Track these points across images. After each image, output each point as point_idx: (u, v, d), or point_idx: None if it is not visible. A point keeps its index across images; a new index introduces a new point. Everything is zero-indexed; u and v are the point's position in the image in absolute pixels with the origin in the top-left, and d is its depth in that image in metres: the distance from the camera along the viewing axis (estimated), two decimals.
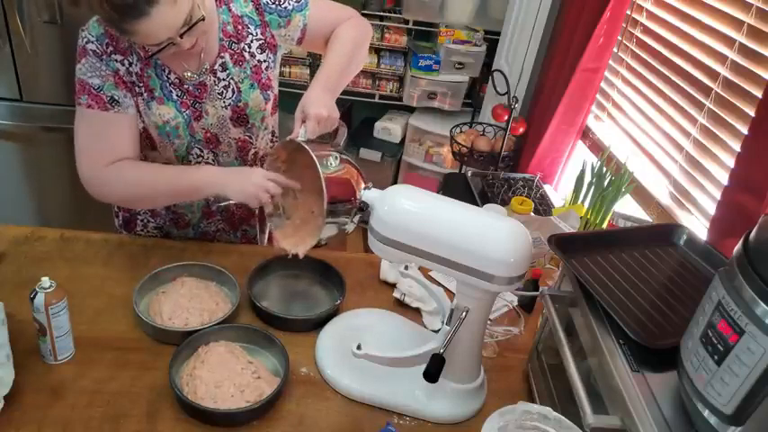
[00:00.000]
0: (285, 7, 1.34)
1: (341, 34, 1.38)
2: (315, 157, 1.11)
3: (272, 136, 1.53)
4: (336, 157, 1.16)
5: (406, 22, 2.85)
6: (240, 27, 1.32)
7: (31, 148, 2.60)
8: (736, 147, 1.46)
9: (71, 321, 1.15)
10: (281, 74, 2.88)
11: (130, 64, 1.26)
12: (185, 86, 1.31)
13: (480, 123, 2.74)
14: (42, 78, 2.45)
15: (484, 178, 2.33)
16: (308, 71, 2.90)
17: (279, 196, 1.23)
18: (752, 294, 0.70)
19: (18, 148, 2.60)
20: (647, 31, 1.96)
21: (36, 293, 1.09)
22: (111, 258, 1.46)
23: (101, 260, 1.45)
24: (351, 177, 1.16)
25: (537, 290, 1.38)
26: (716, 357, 0.75)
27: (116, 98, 1.25)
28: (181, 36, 1.14)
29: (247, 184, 1.22)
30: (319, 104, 1.21)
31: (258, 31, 1.33)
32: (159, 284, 1.34)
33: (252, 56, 1.34)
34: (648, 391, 0.87)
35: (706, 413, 0.77)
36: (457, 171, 2.76)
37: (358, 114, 3.26)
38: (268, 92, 1.39)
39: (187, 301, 1.29)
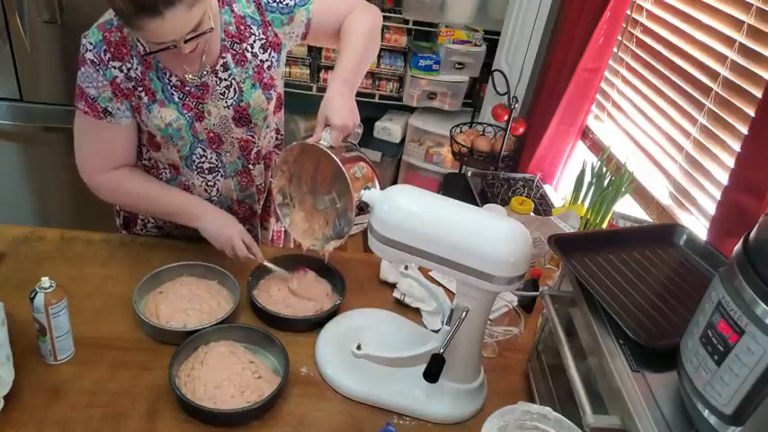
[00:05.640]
0: (287, 4, 1.33)
1: (353, 27, 1.37)
2: (345, 170, 1.16)
3: (277, 134, 1.53)
4: (363, 168, 1.21)
5: (406, 21, 2.85)
6: (243, 27, 1.31)
7: (31, 148, 2.60)
8: (736, 147, 1.46)
9: (71, 321, 1.15)
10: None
11: (129, 69, 1.26)
12: (187, 88, 1.31)
13: (480, 123, 2.74)
14: (42, 78, 2.44)
15: (484, 178, 2.33)
16: (308, 71, 2.89)
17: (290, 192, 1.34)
18: (752, 294, 0.70)
19: (18, 148, 2.59)
20: (647, 31, 1.96)
21: (36, 293, 1.09)
22: (111, 258, 1.46)
23: (101, 260, 1.45)
24: (369, 180, 1.21)
25: (537, 290, 1.37)
26: (716, 357, 0.75)
27: (109, 110, 1.29)
28: (185, 41, 1.15)
29: (221, 232, 1.36)
30: (344, 113, 1.21)
31: (260, 30, 1.33)
32: (159, 284, 1.34)
33: (254, 56, 1.34)
34: (648, 391, 0.87)
35: (706, 413, 0.77)
36: (457, 171, 2.76)
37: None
38: (270, 91, 1.38)
39: (187, 302, 1.29)
